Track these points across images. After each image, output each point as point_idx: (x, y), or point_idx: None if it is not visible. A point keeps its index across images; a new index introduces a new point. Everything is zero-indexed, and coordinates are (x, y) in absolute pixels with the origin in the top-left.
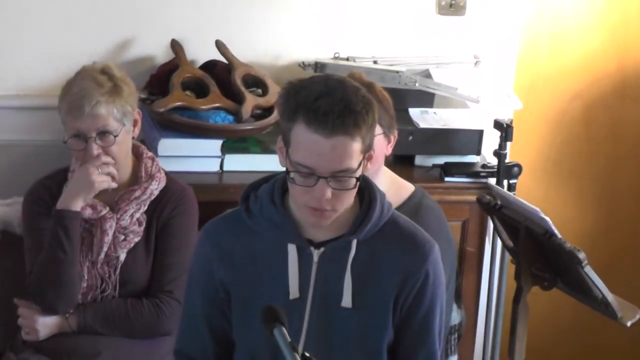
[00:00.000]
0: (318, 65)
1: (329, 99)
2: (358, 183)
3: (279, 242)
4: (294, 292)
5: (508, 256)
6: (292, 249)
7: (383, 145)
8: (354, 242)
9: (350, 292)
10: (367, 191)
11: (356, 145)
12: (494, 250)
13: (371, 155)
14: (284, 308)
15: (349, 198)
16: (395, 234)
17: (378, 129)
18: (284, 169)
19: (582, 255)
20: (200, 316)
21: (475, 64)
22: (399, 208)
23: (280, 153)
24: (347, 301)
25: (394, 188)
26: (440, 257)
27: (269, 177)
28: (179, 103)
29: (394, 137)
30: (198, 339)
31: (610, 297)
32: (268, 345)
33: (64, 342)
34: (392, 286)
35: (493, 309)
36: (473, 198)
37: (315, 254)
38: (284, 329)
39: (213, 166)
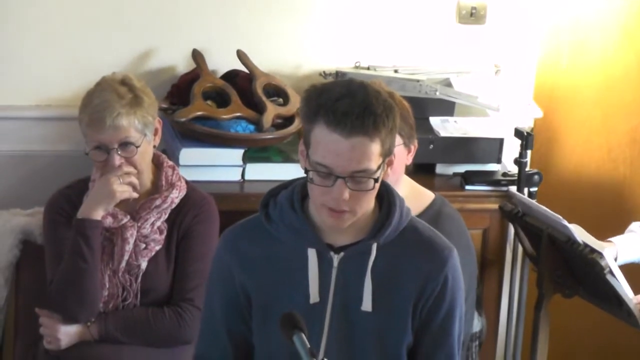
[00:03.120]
0: (339, 75)
1: (350, 100)
2: (376, 185)
3: (299, 247)
4: (314, 296)
5: (528, 264)
6: (312, 254)
7: (403, 155)
8: (374, 247)
9: (371, 296)
10: (386, 196)
11: (375, 147)
12: (514, 258)
13: (392, 161)
14: (304, 312)
15: (368, 201)
16: (415, 239)
17: (398, 139)
18: (304, 175)
19: (604, 263)
20: (220, 322)
21: (496, 72)
22: (419, 216)
23: (301, 157)
24: (367, 305)
25: (414, 196)
26: (460, 263)
27: (288, 184)
28: (200, 113)
29: (414, 146)
30: (218, 345)
31: (631, 304)
32: (288, 351)
33: (85, 351)
34: (412, 290)
35: (514, 317)
36: (494, 206)
37: (335, 258)
38: (303, 335)
39: (234, 175)
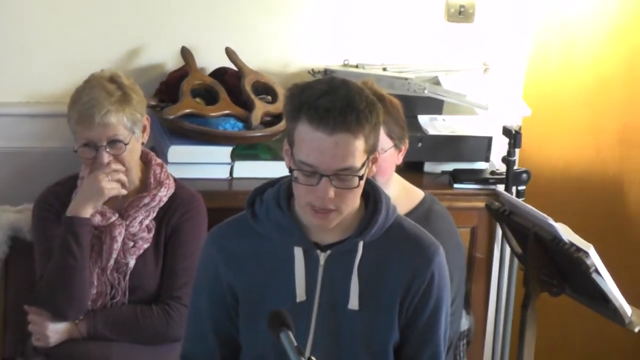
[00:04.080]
0: (327, 72)
1: (332, 96)
2: (361, 183)
3: (285, 245)
4: (300, 294)
5: (517, 262)
6: (298, 252)
7: (394, 157)
8: (360, 245)
9: (357, 294)
10: (372, 194)
11: (359, 144)
12: (502, 257)
13: (376, 158)
14: (290, 311)
15: (353, 199)
16: (401, 237)
17: (389, 142)
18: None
19: (590, 261)
20: (207, 320)
21: (484, 70)
22: (409, 214)
23: (286, 155)
24: (353, 303)
25: (404, 194)
26: (450, 261)
27: (274, 182)
28: (188, 110)
29: (404, 147)
30: (204, 344)
31: (617, 303)
32: (275, 349)
33: (74, 348)
34: (398, 288)
35: (502, 315)
36: (482, 204)
37: (322, 256)
38: (290, 333)
39: (223, 173)
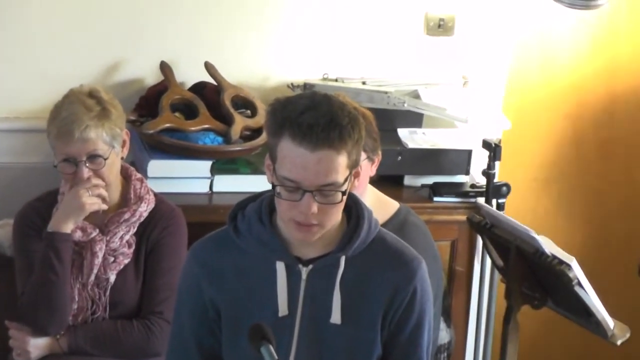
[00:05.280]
0: (307, 86)
1: (314, 112)
2: (344, 198)
3: (267, 260)
4: (283, 309)
5: (498, 275)
6: (280, 267)
7: (367, 169)
8: (343, 259)
9: (340, 308)
10: (354, 208)
11: (342, 160)
12: (483, 270)
13: (358, 173)
14: (273, 325)
15: (336, 213)
16: (383, 251)
17: (362, 155)
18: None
19: (572, 274)
20: (190, 336)
21: (464, 84)
22: (384, 225)
23: (268, 170)
24: (336, 318)
25: (379, 205)
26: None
27: (256, 196)
28: (168, 125)
29: (378, 158)
30: (187, 359)
31: (599, 316)
32: None
33: None
34: (381, 302)
35: (483, 328)
36: (462, 218)
37: (304, 271)
38: (270, 346)
39: (203, 187)
